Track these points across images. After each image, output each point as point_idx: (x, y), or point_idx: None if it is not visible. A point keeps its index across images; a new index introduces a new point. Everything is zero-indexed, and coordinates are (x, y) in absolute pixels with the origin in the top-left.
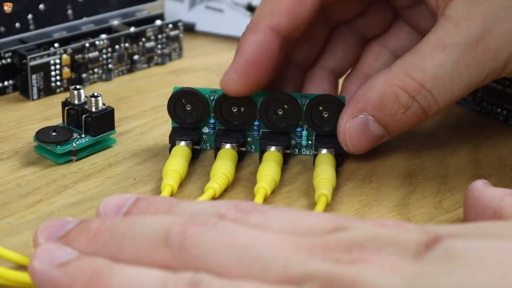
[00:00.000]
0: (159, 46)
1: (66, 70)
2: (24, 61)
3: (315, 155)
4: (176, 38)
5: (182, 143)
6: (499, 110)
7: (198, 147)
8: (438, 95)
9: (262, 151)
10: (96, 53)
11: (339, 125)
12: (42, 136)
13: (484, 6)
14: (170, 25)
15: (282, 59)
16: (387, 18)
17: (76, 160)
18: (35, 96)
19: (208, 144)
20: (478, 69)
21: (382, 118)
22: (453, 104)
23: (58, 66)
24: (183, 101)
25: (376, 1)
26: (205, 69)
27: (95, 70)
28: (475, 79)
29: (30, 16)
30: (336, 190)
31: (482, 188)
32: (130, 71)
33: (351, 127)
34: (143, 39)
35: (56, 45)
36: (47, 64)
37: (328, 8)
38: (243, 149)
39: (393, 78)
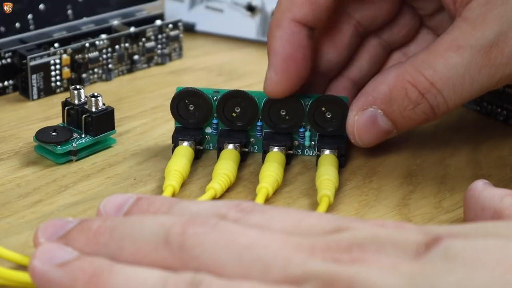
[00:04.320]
0: (159, 46)
1: (66, 70)
2: (24, 61)
3: (318, 156)
4: (176, 38)
5: (185, 143)
6: (499, 110)
7: (201, 147)
8: (448, 95)
9: (265, 152)
10: (96, 53)
11: (348, 117)
12: (42, 136)
13: (500, 10)
14: (170, 25)
15: (314, 48)
16: (413, 27)
17: (76, 160)
18: (35, 96)
19: (211, 145)
20: (491, 73)
21: (391, 112)
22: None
23: (58, 66)
24: (186, 101)
25: (403, 9)
26: (205, 69)
27: (95, 70)
28: (486, 83)
29: (30, 16)
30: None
31: (482, 188)
32: (130, 71)
33: (360, 120)
34: (143, 39)
35: (56, 45)
36: (47, 64)
37: (358, 14)
38: (246, 149)
39: (405, 74)
